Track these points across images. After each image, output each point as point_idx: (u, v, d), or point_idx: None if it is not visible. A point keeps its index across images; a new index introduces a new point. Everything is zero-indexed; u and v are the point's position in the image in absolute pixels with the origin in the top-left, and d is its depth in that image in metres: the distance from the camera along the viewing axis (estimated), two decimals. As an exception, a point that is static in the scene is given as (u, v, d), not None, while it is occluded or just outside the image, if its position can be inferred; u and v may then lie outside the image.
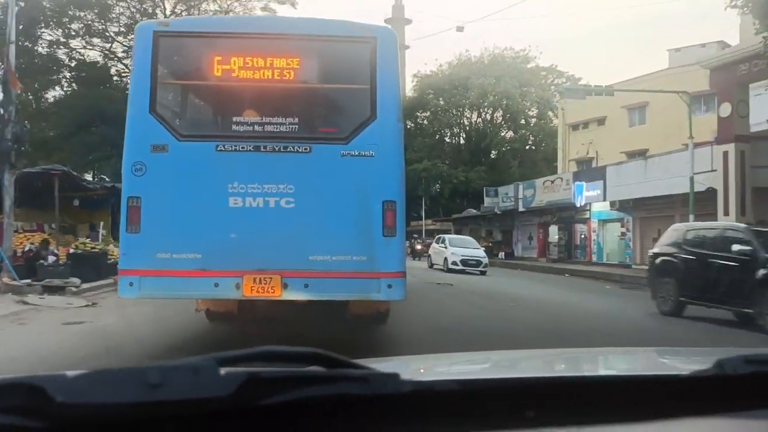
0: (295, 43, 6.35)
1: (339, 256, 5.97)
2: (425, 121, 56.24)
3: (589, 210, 31.29)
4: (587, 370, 1.74)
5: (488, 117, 54.64)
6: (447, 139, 57.83)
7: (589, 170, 33.25)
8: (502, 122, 54.32)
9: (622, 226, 29.08)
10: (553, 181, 34.31)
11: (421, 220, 52.19)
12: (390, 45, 6.31)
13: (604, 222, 31.23)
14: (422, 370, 1.72)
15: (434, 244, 30.66)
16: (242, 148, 6.05)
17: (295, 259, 5.94)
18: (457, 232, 42.68)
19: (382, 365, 1.20)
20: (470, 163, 51.81)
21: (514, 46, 59.79)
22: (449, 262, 26.67)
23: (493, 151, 55.25)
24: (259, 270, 5.89)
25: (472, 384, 1.14)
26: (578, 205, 30.73)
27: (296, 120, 6.26)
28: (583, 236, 33.13)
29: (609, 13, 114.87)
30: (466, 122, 55.81)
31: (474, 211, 44.18)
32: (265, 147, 6.07)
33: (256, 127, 6.19)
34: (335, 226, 6.02)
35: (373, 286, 6.04)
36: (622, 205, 27.39)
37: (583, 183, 30.11)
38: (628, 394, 1.18)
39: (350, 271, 5.97)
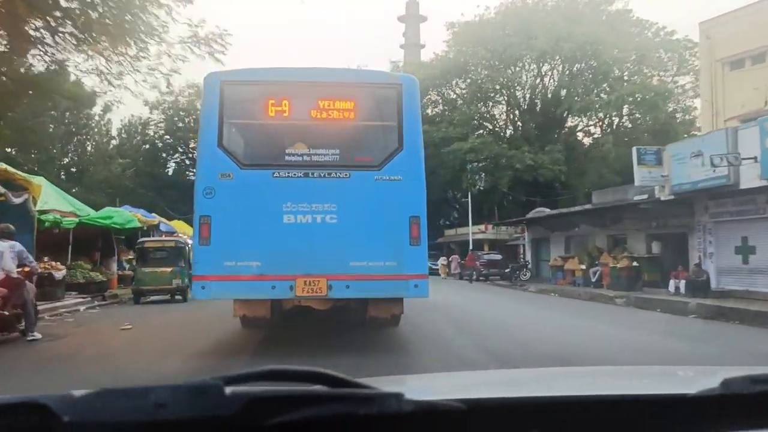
0: (335, 88, 7.77)
1: (374, 262, 7.31)
2: (464, 89, 41.99)
3: None
4: (592, 388, 1.70)
5: (566, 72, 39.00)
6: (502, 107, 42.84)
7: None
8: (587, 80, 38.33)
9: None
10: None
11: (467, 225, 39.81)
12: (413, 90, 7.74)
13: None
14: (426, 389, 1.72)
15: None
16: (294, 174, 7.44)
17: (338, 265, 7.28)
18: (538, 244, 30.35)
19: (386, 384, 1.21)
20: (537, 141, 37.95)
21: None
22: None
23: (569, 122, 41.14)
24: (308, 274, 7.25)
25: (477, 403, 1.12)
26: None
27: (337, 151, 7.68)
28: None
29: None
30: (527, 83, 40.90)
31: (545, 210, 30.30)
32: (312, 173, 7.47)
33: (305, 158, 7.59)
34: (371, 238, 7.36)
35: (402, 287, 7.44)
36: None
37: None
38: (634, 413, 1.18)
39: (383, 274, 7.31)
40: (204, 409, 0.86)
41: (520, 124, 41.61)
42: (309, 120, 7.66)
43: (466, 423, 1.06)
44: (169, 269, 17.07)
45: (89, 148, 45.60)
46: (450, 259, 37.32)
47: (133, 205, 26.42)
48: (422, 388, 1.78)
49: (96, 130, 45.22)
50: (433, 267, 35.79)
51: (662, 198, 18.93)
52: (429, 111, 42.09)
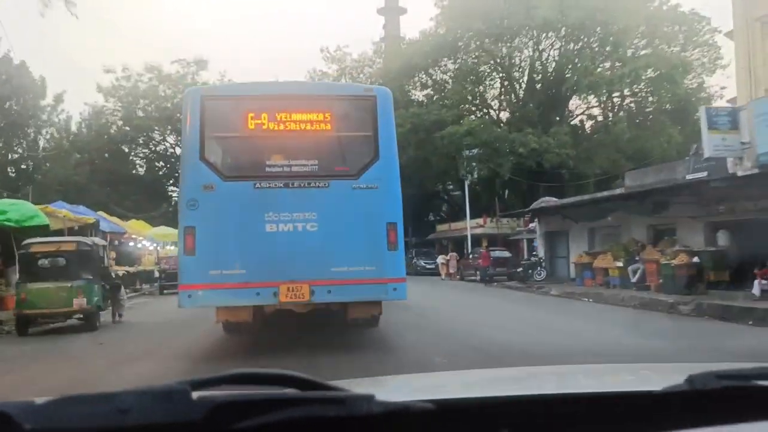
0: (312, 101, 8.14)
1: (354, 267, 7.64)
2: (455, 69, 38.28)
3: None
4: (561, 387, 1.72)
5: (570, 45, 35.04)
6: (496, 90, 39.06)
7: None
8: (596, 53, 33.95)
9: None
10: None
11: (462, 219, 36.28)
12: (387, 101, 8.09)
13: None
14: (399, 390, 1.71)
15: None
16: (274, 185, 7.74)
17: (319, 271, 7.60)
18: (551, 238, 26.05)
19: (357, 386, 1.21)
20: (539, 123, 33.87)
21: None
22: None
23: (573, 102, 37.15)
24: (291, 280, 7.57)
25: (447, 403, 1.13)
26: None
27: (316, 162, 7.99)
28: None
29: None
30: (526, 59, 37.05)
31: (552, 199, 27.03)
32: (292, 184, 7.77)
33: (285, 168, 7.90)
34: (350, 244, 7.68)
35: (381, 290, 7.78)
36: None
37: None
38: (602, 410, 1.19)
39: (363, 279, 7.66)
40: (170, 414, 0.85)
41: (519, 105, 37.19)
42: (288, 132, 7.96)
43: (436, 424, 1.06)
44: (67, 284, 11.89)
45: (42, 143, 41.61)
46: (448, 257, 33.09)
47: (88, 205, 24.33)
48: (395, 389, 1.79)
49: (48, 122, 41.38)
50: (429, 267, 34.95)
51: (739, 173, 14.53)
52: (418, 93, 40.60)
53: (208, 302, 7.87)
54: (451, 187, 43.70)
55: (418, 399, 1.07)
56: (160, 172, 48.15)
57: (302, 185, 7.76)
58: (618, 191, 21.57)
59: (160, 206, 41.78)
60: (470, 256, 30.81)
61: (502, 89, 38.90)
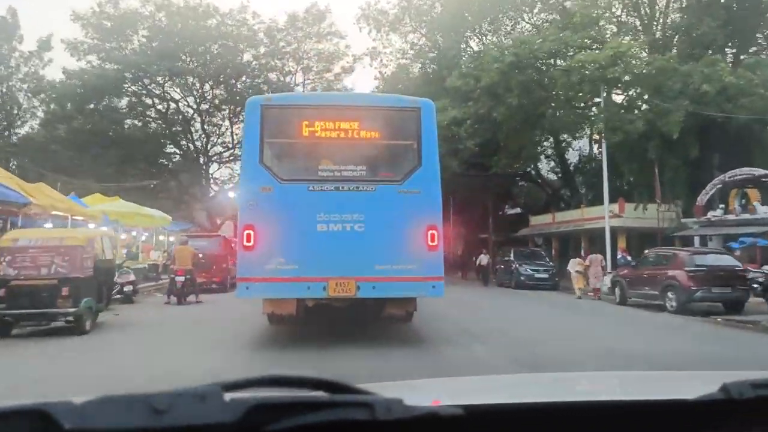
0: (361, 111, 8.87)
1: (397, 265, 8.30)
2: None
3: None
4: (593, 393, 1.68)
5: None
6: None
7: None
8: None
9: None
10: None
11: (576, 207, 29.27)
12: (430, 112, 8.76)
13: None
14: (428, 395, 1.71)
15: None
16: (326, 188, 8.47)
17: (365, 268, 8.28)
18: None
19: (386, 390, 1.22)
20: (717, 52, 23.72)
21: None
22: None
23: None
24: (339, 276, 8.26)
25: (477, 409, 1.11)
26: None
27: (364, 167, 8.71)
28: None
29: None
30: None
31: (757, 170, 19.86)
32: (342, 187, 8.49)
33: (336, 173, 8.63)
34: (394, 244, 8.34)
35: (421, 287, 8.44)
36: None
37: None
38: (635, 418, 1.19)
39: (405, 276, 8.31)
40: (204, 415, 0.87)
41: (682, 26, 25.40)
42: (339, 139, 8.71)
43: (465, 429, 1.07)
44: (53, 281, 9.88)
45: (22, 101, 34.92)
46: (587, 261, 20.85)
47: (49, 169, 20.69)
48: (424, 393, 1.78)
49: (31, 75, 34.34)
50: (541, 277, 23.76)
51: None
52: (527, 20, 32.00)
53: (264, 294, 8.62)
54: (552, 162, 35.25)
55: (448, 404, 1.09)
56: (158, 129, 37.85)
57: (351, 188, 8.46)
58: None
59: (157, 174, 36.25)
60: (623, 262, 20.73)
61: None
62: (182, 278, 15.47)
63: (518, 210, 40.05)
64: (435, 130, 8.77)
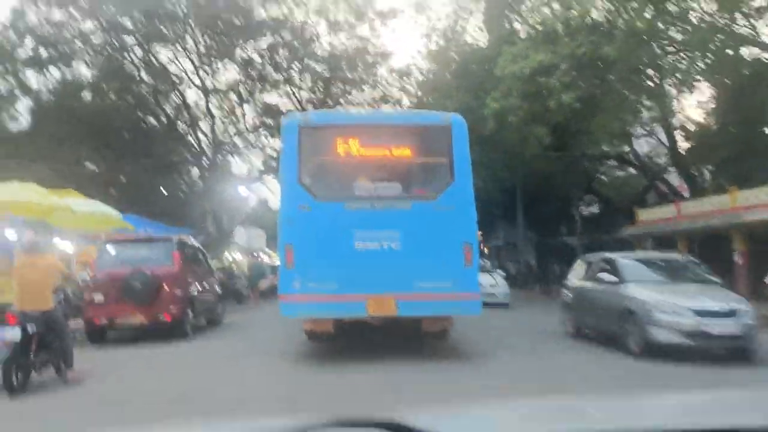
0: (395, 130, 9.02)
1: (434, 282, 8.35)
2: None
3: None
4: (665, 419, 1.55)
5: None
6: None
7: None
8: None
9: None
10: None
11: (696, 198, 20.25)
12: (461, 128, 8.79)
13: None
14: (491, 426, 1.62)
15: None
16: (362, 206, 8.58)
17: (403, 285, 8.33)
18: None
19: (452, 422, 1.23)
20: None
21: None
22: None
23: None
24: (378, 294, 8.35)
25: None
26: None
27: (399, 184, 8.84)
28: None
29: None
30: None
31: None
32: (378, 204, 8.59)
33: (371, 191, 8.76)
34: (430, 261, 8.38)
35: (459, 305, 8.53)
36: None
37: None
38: None
39: (443, 294, 8.36)
40: None
41: None
42: (374, 158, 8.87)
43: None
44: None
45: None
46: None
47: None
48: (487, 425, 1.60)
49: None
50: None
51: None
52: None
53: (307, 312, 8.73)
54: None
55: None
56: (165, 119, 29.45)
57: (387, 206, 8.57)
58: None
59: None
60: None
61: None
62: (18, 332, 6.95)
63: (595, 207, 30.82)
64: (467, 145, 8.78)
